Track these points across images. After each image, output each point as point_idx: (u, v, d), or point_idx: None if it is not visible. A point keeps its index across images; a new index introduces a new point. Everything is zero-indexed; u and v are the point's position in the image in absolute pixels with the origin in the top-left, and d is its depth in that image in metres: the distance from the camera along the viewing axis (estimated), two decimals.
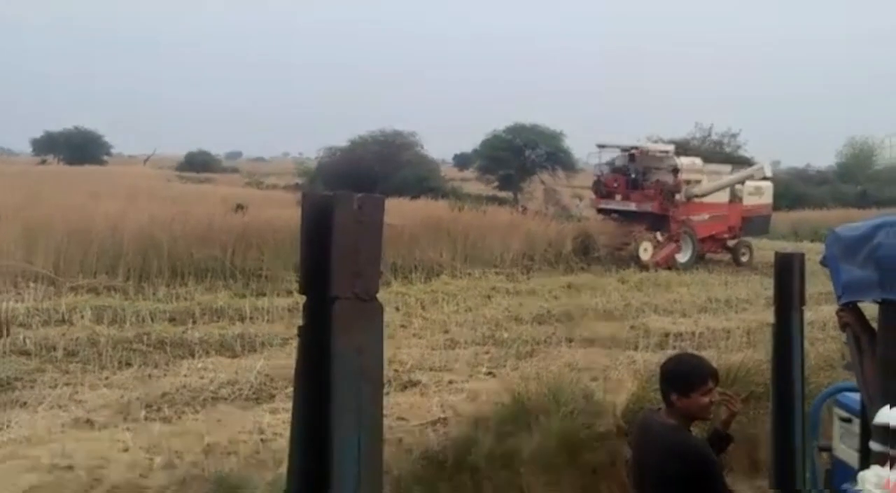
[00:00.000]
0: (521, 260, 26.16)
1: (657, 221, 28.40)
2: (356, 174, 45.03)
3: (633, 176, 30.22)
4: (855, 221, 4.86)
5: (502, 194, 52.52)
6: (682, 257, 28.18)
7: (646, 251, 27.20)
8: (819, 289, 16.69)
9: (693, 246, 28.63)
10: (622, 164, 31.23)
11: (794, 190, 55.66)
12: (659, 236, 27.72)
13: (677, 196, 28.69)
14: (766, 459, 8.77)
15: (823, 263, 4.94)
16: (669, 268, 26.67)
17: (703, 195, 29.22)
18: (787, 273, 5.11)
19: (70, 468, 8.94)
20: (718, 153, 47.74)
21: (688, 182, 29.22)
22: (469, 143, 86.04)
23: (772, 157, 52.28)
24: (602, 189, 30.69)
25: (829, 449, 6.55)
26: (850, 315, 4.65)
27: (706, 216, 29.37)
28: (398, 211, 25.06)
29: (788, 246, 30.31)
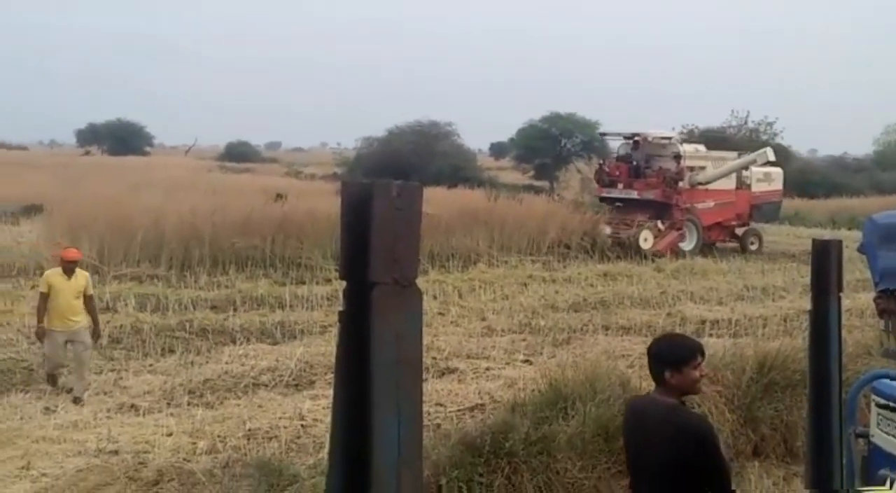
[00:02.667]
0: (558, 248, 26.13)
1: (660, 210, 27.97)
2: (393, 164, 45.16)
3: (635, 164, 29.87)
4: (893, 209, 4.88)
5: (538, 183, 52.42)
6: (687, 246, 27.78)
7: (646, 240, 26.81)
8: (857, 276, 16.76)
9: (698, 234, 28.19)
10: (625, 152, 30.92)
11: (831, 178, 55.05)
12: (660, 225, 27.41)
13: (680, 184, 28.27)
14: (802, 446, 8.82)
15: (861, 250, 4.97)
16: (674, 256, 26.34)
17: (708, 182, 28.74)
18: (825, 260, 5.13)
19: (116, 452, 9.17)
20: (754, 141, 47.21)
21: (691, 169, 28.82)
22: (505, 132, 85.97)
23: (809, 145, 51.74)
24: (604, 178, 30.28)
25: (866, 436, 6.57)
26: (887, 302, 4.68)
27: (711, 204, 28.88)
28: (435, 200, 25.13)
29: (826, 234, 29.98)
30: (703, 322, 16.21)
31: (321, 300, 17.68)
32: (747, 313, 17.48)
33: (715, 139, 42.74)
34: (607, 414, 8.88)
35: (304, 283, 19.63)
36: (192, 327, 15.16)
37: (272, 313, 16.60)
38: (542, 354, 13.67)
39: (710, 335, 14.32)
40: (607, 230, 27.27)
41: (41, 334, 11.44)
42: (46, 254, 19.93)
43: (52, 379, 11.59)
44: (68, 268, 11.42)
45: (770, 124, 56.81)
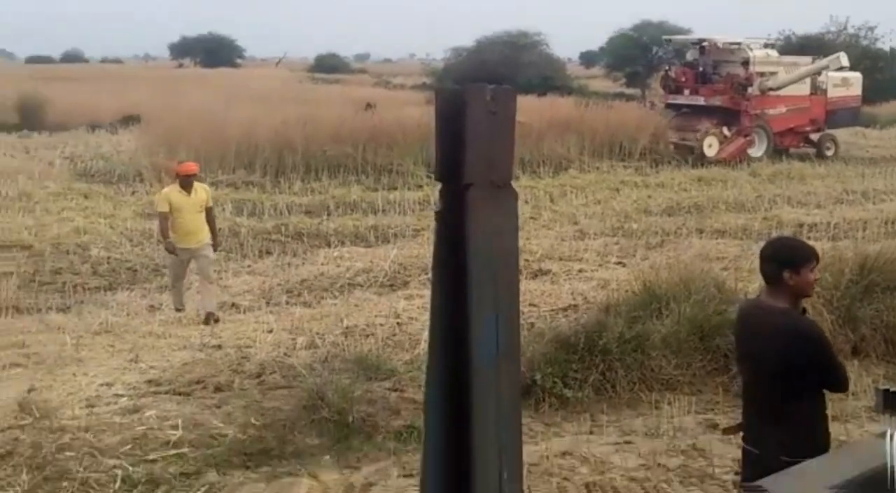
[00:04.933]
0: (650, 154, 25.77)
1: (728, 116, 27.08)
2: (482, 74, 44.75)
3: (701, 69, 28.94)
4: None
5: (629, 91, 51.50)
6: (756, 152, 26.89)
7: (710, 147, 26.08)
8: None
9: (768, 140, 27.27)
10: (692, 58, 30.06)
11: None
12: (726, 131, 26.64)
13: (749, 90, 27.26)
14: None
15: None
16: (740, 163, 25.64)
17: (779, 88, 27.67)
18: None
19: (219, 346, 9.47)
20: (854, 47, 45.40)
21: (762, 75, 27.78)
22: (595, 42, 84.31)
23: None
24: (671, 84, 29.43)
25: None
26: None
27: (783, 109, 27.80)
28: (525, 108, 24.87)
29: None
30: (801, 226, 15.91)
31: (413, 205, 17.81)
32: (847, 216, 17.05)
33: (812, 46, 41.26)
34: (702, 314, 8.84)
35: (395, 189, 19.80)
36: (288, 231, 15.46)
37: (365, 218, 16.81)
38: (635, 256, 13.60)
39: (808, 238, 14.02)
40: (672, 137, 26.72)
41: (172, 248, 10.95)
42: (145, 162, 20.46)
43: (178, 300, 11.18)
44: (187, 183, 10.95)
45: (871, 29, 54.54)
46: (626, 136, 25.99)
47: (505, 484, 1.68)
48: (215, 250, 11.44)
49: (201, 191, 11.12)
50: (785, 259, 4.50)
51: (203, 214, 11.01)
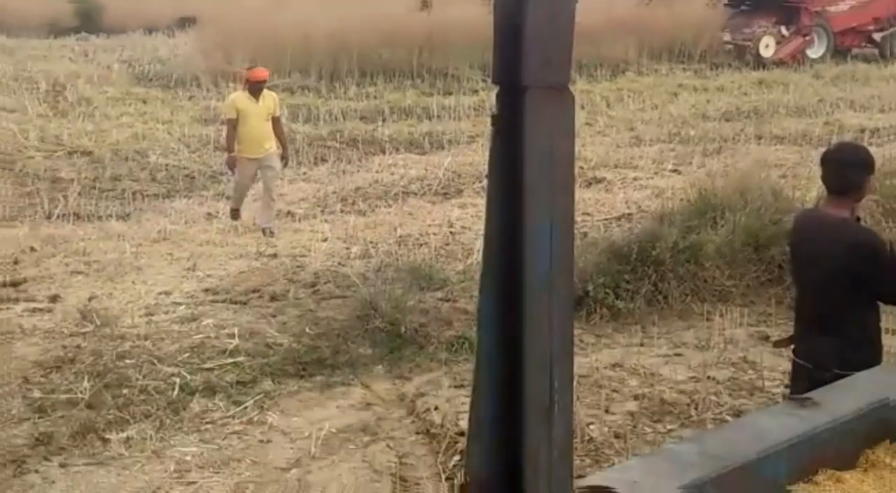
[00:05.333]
0: (709, 56, 25.14)
1: (788, 14, 25.71)
2: None
3: None
4: None
5: None
6: (815, 53, 25.75)
7: (767, 47, 24.92)
8: None
9: (827, 40, 25.97)
10: None
11: None
12: (784, 30, 25.71)
13: None
14: None
15: None
16: (799, 64, 24.79)
17: None
18: None
19: (274, 255, 9.62)
20: None
21: None
22: None
23: None
24: None
25: None
26: None
27: (845, 7, 26.32)
28: (581, 8, 24.28)
29: None
30: (863, 131, 15.53)
31: (468, 111, 17.69)
32: None
33: None
34: (758, 224, 8.77)
35: (450, 93, 19.64)
36: (343, 137, 15.48)
37: (420, 124, 16.76)
38: (691, 164, 13.45)
39: (870, 144, 13.71)
40: (726, 37, 25.81)
41: (232, 164, 10.78)
42: (202, 66, 20.48)
43: (235, 213, 10.92)
44: (256, 89, 10.59)
45: None
46: (687, 36, 25.33)
47: (555, 392, 1.72)
48: (284, 164, 11.21)
49: (269, 98, 10.77)
50: (858, 166, 4.42)
51: (270, 123, 10.69)
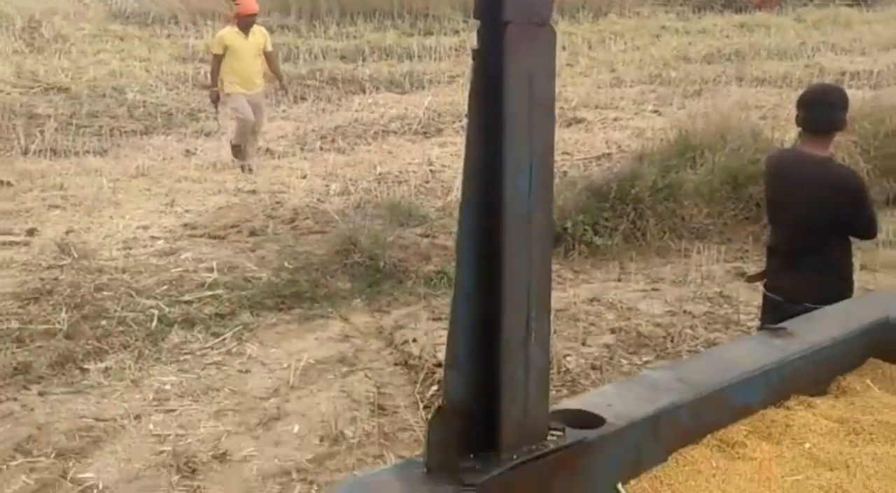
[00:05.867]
0: None
1: None
2: None
3: None
4: None
5: None
6: None
7: None
8: None
9: None
10: None
11: None
12: None
13: None
14: None
15: None
16: (781, 7, 24.49)
17: None
18: None
19: (254, 192, 9.58)
20: None
21: None
22: None
23: None
24: None
25: None
26: None
27: None
28: None
29: None
30: (843, 74, 15.52)
31: (449, 51, 17.56)
32: (891, 63, 16.61)
33: None
34: (737, 164, 8.80)
35: (431, 34, 19.48)
36: (322, 76, 15.37)
37: (400, 64, 16.64)
38: (672, 105, 13.44)
39: (850, 87, 13.73)
40: None
41: (215, 98, 10.65)
42: (179, 4, 20.21)
43: (237, 150, 10.58)
44: (245, 24, 10.31)
45: None
46: None
47: (532, 320, 1.73)
48: (284, 94, 11.78)
49: (259, 34, 10.54)
50: (840, 106, 4.44)
51: (261, 59, 10.53)
